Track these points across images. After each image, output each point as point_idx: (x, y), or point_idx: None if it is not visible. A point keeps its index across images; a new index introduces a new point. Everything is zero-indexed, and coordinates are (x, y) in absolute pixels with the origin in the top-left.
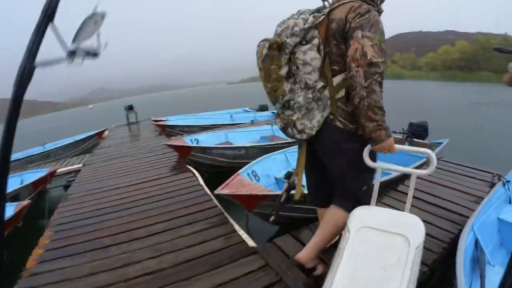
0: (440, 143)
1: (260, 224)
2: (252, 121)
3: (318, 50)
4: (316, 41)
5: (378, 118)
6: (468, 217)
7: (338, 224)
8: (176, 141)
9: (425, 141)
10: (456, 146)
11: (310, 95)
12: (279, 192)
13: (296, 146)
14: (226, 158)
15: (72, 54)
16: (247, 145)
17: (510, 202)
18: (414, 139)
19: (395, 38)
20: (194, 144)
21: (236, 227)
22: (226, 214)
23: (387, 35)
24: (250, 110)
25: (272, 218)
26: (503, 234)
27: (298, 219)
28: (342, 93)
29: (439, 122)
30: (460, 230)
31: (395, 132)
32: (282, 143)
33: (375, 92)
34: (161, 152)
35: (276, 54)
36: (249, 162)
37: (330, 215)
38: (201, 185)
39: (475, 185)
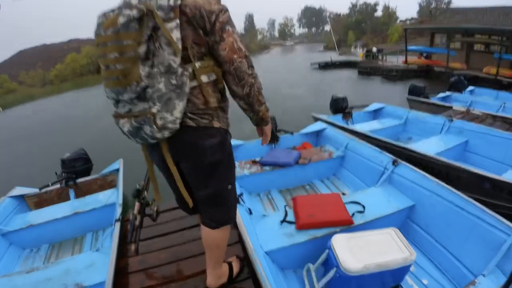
0: (116, 169)
1: None
2: None
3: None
4: (177, 21)
5: (265, 100)
6: None
7: (218, 244)
8: None
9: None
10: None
11: (174, 81)
12: None
13: None
14: None
15: None
16: None
17: None
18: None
19: (17, 56)
20: None
21: None
22: None
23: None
24: None
25: (133, 247)
26: None
27: None
28: (194, 83)
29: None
30: None
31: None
32: None
33: (258, 78)
34: None
35: (136, 27)
36: None
37: (206, 238)
38: None
39: None
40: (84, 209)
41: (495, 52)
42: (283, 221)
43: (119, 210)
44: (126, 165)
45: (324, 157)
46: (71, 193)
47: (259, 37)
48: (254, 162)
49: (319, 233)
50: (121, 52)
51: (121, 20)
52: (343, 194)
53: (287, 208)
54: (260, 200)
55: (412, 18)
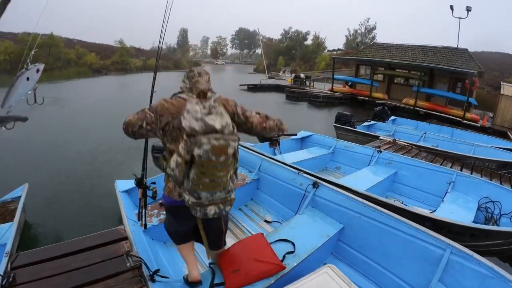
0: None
1: None
2: None
3: None
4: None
5: (284, 125)
6: None
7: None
8: None
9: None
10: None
11: (236, 178)
12: None
13: None
14: None
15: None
16: None
17: None
18: None
19: None
20: None
21: None
22: None
23: None
24: None
25: (141, 223)
26: None
27: None
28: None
29: None
30: None
31: None
32: None
33: (279, 121)
34: None
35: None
36: None
37: (217, 255)
38: None
39: None
40: None
41: (413, 85)
42: (211, 286)
43: (4, 262)
44: (32, 190)
45: (238, 183)
46: None
47: (191, 53)
48: (162, 204)
49: None
50: (227, 172)
51: (230, 151)
52: (266, 221)
53: (213, 267)
54: None
55: (338, 49)
